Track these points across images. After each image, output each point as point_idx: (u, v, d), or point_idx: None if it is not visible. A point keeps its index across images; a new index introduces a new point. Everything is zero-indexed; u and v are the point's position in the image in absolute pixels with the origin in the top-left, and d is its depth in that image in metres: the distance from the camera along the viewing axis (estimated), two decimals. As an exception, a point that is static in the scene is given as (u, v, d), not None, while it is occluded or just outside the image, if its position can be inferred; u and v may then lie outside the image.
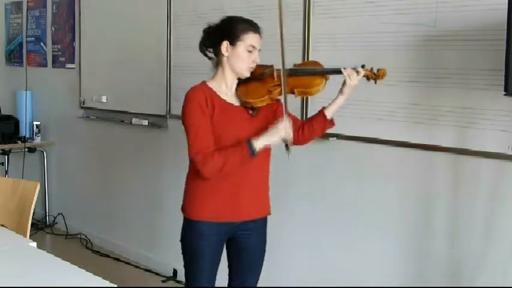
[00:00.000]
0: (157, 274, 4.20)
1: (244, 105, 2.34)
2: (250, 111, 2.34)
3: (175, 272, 4.10)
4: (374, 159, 2.97)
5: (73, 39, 4.98)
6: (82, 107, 4.92)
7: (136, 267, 4.35)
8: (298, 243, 3.35)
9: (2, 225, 2.59)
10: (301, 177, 3.30)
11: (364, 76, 2.31)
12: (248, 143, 2.22)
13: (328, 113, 2.38)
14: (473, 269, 2.62)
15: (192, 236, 2.36)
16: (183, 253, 2.41)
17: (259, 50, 2.32)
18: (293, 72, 2.32)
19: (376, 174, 2.96)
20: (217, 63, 2.36)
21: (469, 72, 2.56)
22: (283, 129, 2.24)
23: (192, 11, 3.83)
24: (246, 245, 2.43)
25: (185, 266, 2.42)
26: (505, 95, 2.18)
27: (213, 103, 2.27)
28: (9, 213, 2.81)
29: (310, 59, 3.13)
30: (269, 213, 2.50)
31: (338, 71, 2.30)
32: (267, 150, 2.40)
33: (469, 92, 2.57)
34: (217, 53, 2.33)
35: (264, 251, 2.50)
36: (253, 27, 2.30)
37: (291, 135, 2.25)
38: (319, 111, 2.41)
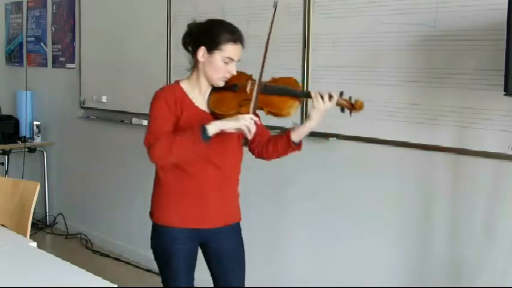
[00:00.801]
0: (157, 274, 4.18)
1: (214, 114, 2.24)
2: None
3: (175, 272, 4.10)
4: (374, 159, 2.97)
5: (73, 39, 4.98)
6: (82, 107, 4.92)
7: (137, 267, 4.35)
8: (298, 243, 3.35)
9: (2, 225, 2.59)
10: (301, 177, 3.30)
11: (339, 105, 2.18)
12: (201, 125, 2.09)
13: (294, 137, 2.25)
14: (473, 269, 2.62)
15: (163, 240, 2.29)
16: (156, 259, 2.35)
17: (238, 60, 2.22)
18: (266, 90, 2.19)
19: (376, 174, 2.96)
20: (194, 65, 2.28)
21: (469, 72, 2.56)
22: (244, 119, 2.10)
23: (192, 11, 3.83)
24: (221, 250, 2.37)
25: (161, 272, 2.36)
26: (505, 95, 2.18)
27: (182, 105, 2.20)
28: (9, 213, 2.81)
29: (310, 59, 3.13)
30: (239, 220, 2.42)
31: (309, 95, 2.18)
32: (237, 155, 2.34)
33: (469, 92, 2.57)
34: (195, 55, 2.25)
35: (243, 253, 2.42)
36: (235, 37, 2.19)
37: (252, 128, 2.10)
38: (286, 132, 2.27)
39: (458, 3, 2.57)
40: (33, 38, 5.51)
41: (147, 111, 4.47)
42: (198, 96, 2.27)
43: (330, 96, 2.15)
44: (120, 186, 4.66)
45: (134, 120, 4.38)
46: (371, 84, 2.90)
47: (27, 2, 5.52)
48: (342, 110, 2.20)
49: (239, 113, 2.19)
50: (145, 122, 4.28)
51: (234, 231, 2.41)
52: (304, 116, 3.14)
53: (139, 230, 4.49)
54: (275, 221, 3.45)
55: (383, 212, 2.95)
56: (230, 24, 2.24)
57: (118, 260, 4.50)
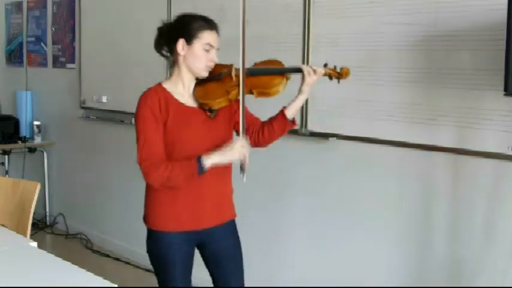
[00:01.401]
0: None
1: (202, 106, 2.24)
2: (209, 113, 2.25)
3: (175, 272, 4.10)
4: (374, 159, 2.97)
5: (73, 39, 4.98)
6: (82, 107, 4.92)
7: (137, 267, 4.35)
8: (298, 243, 3.35)
9: (2, 225, 2.59)
10: (301, 177, 3.30)
11: (326, 75, 2.25)
12: (198, 160, 2.12)
13: (289, 113, 2.29)
14: (473, 269, 2.62)
15: (158, 246, 2.28)
16: (152, 263, 2.33)
17: (218, 48, 2.23)
18: (251, 72, 2.22)
19: (376, 174, 2.96)
20: (173, 62, 2.27)
21: (469, 72, 2.56)
22: (238, 150, 2.14)
23: (192, 11, 3.81)
24: (218, 250, 2.36)
25: (158, 276, 2.34)
26: (505, 95, 2.18)
27: (167, 107, 2.19)
28: (10, 213, 2.81)
29: (310, 59, 3.13)
30: (234, 217, 2.43)
31: (297, 70, 2.24)
32: None
33: (469, 92, 2.57)
34: (173, 52, 2.25)
35: (240, 252, 2.42)
36: (209, 24, 2.22)
37: (247, 157, 2.15)
38: (280, 111, 2.31)
39: (458, 3, 2.57)
40: (33, 38, 5.51)
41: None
42: (183, 92, 2.26)
43: (314, 71, 2.22)
44: (120, 186, 4.66)
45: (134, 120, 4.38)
46: (371, 84, 2.90)
47: (27, 2, 5.52)
48: (330, 78, 2.27)
49: (229, 100, 2.22)
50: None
51: (230, 229, 2.40)
52: (304, 117, 3.14)
53: (140, 230, 4.48)
54: (275, 220, 3.45)
55: (383, 212, 2.95)
56: (201, 15, 2.28)
57: (118, 260, 4.50)
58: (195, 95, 2.25)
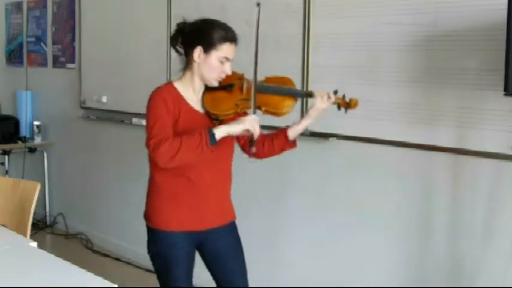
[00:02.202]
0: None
1: (209, 114, 2.23)
2: (214, 121, 2.23)
3: (175, 272, 4.10)
4: (374, 159, 2.97)
5: (73, 39, 4.98)
6: (82, 107, 4.92)
7: (137, 267, 4.35)
8: (298, 242, 3.35)
9: (2, 225, 2.59)
10: (301, 177, 3.30)
11: (335, 104, 2.24)
12: (208, 129, 2.07)
13: (291, 134, 2.28)
14: (473, 269, 2.62)
15: (161, 246, 2.27)
16: (154, 264, 2.32)
17: (232, 60, 2.21)
18: (263, 89, 2.20)
19: (376, 174, 2.96)
20: (187, 65, 2.25)
21: (469, 72, 2.56)
22: (249, 121, 2.09)
23: (192, 11, 3.82)
24: (218, 251, 2.36)
25: (159, 277, 2.33)
26: (505, 95, 2.18)
27: (179, 107, 2.18)
28: (10, 213, 2.81)
29: (310, 59, 3.13)
30: (235, 218, 2.42)
31: (310, 94, 2.24)
32: (229, 157, 2.33)
33: (469, 92, 2.57)
34: (188, 55, 2.23)
35: (242, 252, 2.41)
36: (229, 36, 2.18)
37: (257, 130, 2.10)
38: (283, 130, 2.30)
39: (458, 3, 2.57)
40: (33, 38, 5.51)
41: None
42: (192, 96, 2.25)
43: (328, 97, 2.21)
44: (120, 186, 4.66)
45: (134, 120, 4.38)
46: (371, 84, 2.90)
47: (27, 2, 5.52)
48: (338, 107, 2.26)
49: (237, 113, 2.20)
50: (145, 122, 4.27)
51: (230, 230, 2.40)
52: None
53: (140, 230, 4.48)
54: (275, 220, 3.45)
55: (383, 212, 2.95)
56: (224, 24, 2.23)
57: (118, 260, 4.50)
58: (203, 101, 2.24)
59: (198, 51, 2.18)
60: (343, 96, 2.24)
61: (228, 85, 2.22)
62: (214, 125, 2.17)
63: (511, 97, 2.21)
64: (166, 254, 2.26)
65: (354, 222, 3.08)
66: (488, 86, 2.49)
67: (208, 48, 2.17)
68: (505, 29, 2.11)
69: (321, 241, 3.24)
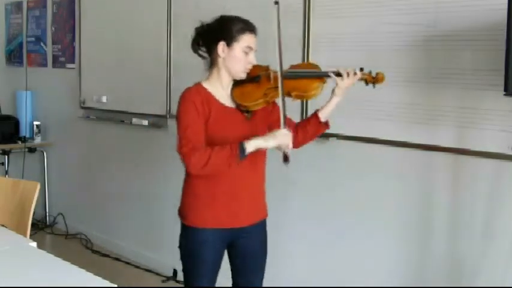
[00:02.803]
0: (157, 274, 4.20)
1: (239, 107, 2.29)
2: (246, 114, 2.29)
3: (175, 272, 4.10)
4: (374, 159, 2.97)
5: (73, 39, 4.98)
6: (82, 107, 4.92)
7: (137, 267, 4.35)
8: (298, 242, 3.35)
9: (2, 225, 2.59)
10: (300, 177, 3.30)
11: (362, 80, 2.26)
12: (239, 143, 2.13)
13: (322, 115, 2.33)
14: (473, 269, 2.62)
15: (193, 243, 2.31)
16: (182, 259, 2.36)
17: (255, 50, 2.27)
18: (290, 75, 2.26)
19: (376, 174, 2.96)
20: (212, 63, 2.30)
21: (469, 72, 2.56)
22: (281, 136, 2.16)
23: (193, 11, 3.83)
24: (246, 248, 2.41)
25: (185, 272, 2.37)
26: (505, 95, 2.18)
27: (209, 107, 2.22)
28: (9, 213, 2.81)
29: (310, 59, 3.13)
30: (266, 216, 2.47)
31: (336, 73, 2.26)
32: (263, 156, 2.36)
33: (469, 92, 2.57)
34: (212, 53, 2.28)
35: (266, 252, 2.48)
36: (249, 27, 2.25)
37: (290, 145, 2.17)
38: (313, 113, 2.36)
39: (458, 3, 2.57)
40: (33, 38, 5.51)
41: (146, 111, 4.49)
42: (222, 92, 2.29)
43: (354, 73, 2.24)
44: (120, 186, 4.66)
45: (134, 120, 4.38)
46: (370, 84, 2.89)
47: (27, 2, 5.52)
48: (366, 83, 2.28)
49: (267, 102, 2.26)
50: (145, 122, 4.29)
51: (260, 228, 2.45)
52: (304, 114, 3.14)
53: (140, 230, 4.50)
54: (275, 220, 3.44)
55: (383, 212, 2.95)
56: (240, 17, 2.30)
57: (118, 260, 4.50)
58: (233, 96, 2.29)
59: (221, 47, 2.24)
60: (370, 72, 2.26)
61: (255, 76, 2.28)
62: (246, 118, 2.28)
63: (511, 97, 2.21)
64: (196, 251, 2.31)
65: (353, 222, 3.08)
66: (488, 86, 2.49)
67: (230, 41, 2.23)
68: (505, 29, 2.11)
69: (320, 241, 3.24)
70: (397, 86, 2.81)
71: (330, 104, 2.31)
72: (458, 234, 2.68)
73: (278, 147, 2.18)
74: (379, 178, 2.95)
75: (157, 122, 4.21)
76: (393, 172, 2.90)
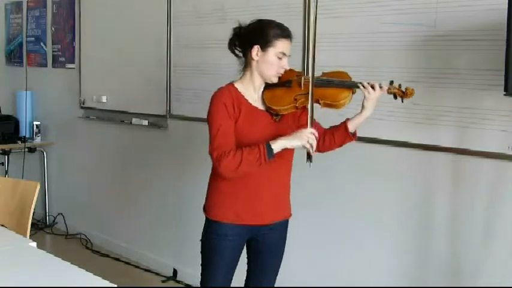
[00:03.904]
0: (157, 274, 4.20)
1: (269, 110, 2.33)
2: (274, 117, 2.34)
3: (175, 272, 4.10)
4: (374, 159, 2.97)
5: (73, 39, 4.98)
6: (82, 107, 4.92)
7: (137, 267, 4.35)
8: (298, 242, 3.35)
9: (2, 225, 2.59)
10: (300, 177, 3.29)
11: (391, 93, 2.27)
12: (266, 143, 2.19)
13: (351, 126, 2.36)
14: (473, 269, 2.62)
15: (213, 236, 2.37)
16: (202, 252, 2.42)
17: (289, 55, 2.31)
18: (320, 83, 2.29)
19: (376, 174, 2.96)
20: (246, 65, 2.35)
21: (469, 72, 2.56)
22: (307, 136, 2.20)
23: (192, 11, 3.83)
24: (265, 245, 2.45)
25: (202, 266, 2.43)
26: (505, 95, 2.18)
27: (239, 107, 2.28)
28: (9, 213, 2.81)
29: (310, 59, 3.12)
30: (290, 215, 2.52)
31: (361, 86, 2.27)
32: (289, 155, 2.40)
33: (469, 92, 2.57)
34: (247, 55, 2.32)
35: (283, 251, 2.52)
36: (284, 32, 2.28)
37: (314, 144, 2.21)
38: (343, 122, 2.38)
39: (458, 3, 2.57)
40: (33, 38, 5.51)
41: (146, 111, 4.49)
42: (253, 94, 2.34)
43: (380, 87, 2.26)
44: (120, 186, 4.66)
45: (134, 120, 4.38)
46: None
47: (27, 2, 5.52)
48: (395, 97, 2.29)
49: (296, 107, 2.30)
50: (145, 122, 4.29)
51: (282, 227, 2.49)
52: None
53: (139, 230, 4.50)
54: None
55: (383, 211, 2.95)
56: (278, 22, 2.33)
57: (118, 260, 4.50)
58: (264, 98, 2.34)
59: (256, 50, 2.27)
60: (399, 85, 2.27)
61: (286, 81, 2.32)
62: (274, 120, 2.33)
63: (511, 97, 2.21)
64: (215, 244, 2.36)
65: (353, 221, 3.08)
66: (488, 86, 2.49)
67: (265, 45, 2.26)
68: (505, 29, 2.11)
69: (320, 240, 3.24)
70: (397, 86, 2.80)
71: (360, 116, 2.33)
72: (458, 234, 2.68)
73: (303, 147, 2.22)
74: (379, 178, 2.95)
75: (157, 122, 4.21)
76: (393, 172, 2.90)
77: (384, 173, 2.93)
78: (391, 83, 2.28)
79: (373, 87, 2.25)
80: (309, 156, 2.23)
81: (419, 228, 2.82)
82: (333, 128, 2.42)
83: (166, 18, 4.03)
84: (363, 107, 2.31)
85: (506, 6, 2.12)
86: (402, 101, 2.29)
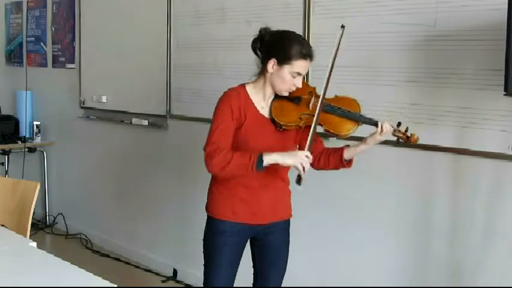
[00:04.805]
0: (157, 274, 4.20)
1: (273, 120, 2.33)
2: (277, 128, 2.34)
3: (175, 272, 4.10)
4: (374, 159, 2.96)
5: (73, 39, 4.98)
6: (82, 107, 4.92)
7: (137, 267, 4.35)
8: (298, 242, 3.35)
9: (2, 225, 2.59)
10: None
11: (395, 136, 2.25)
12: (259, 154, 2.18)
13: (347, 155, 2.34)
14: (473, 269, 2.62)
15: (213, 232, 2.40)
16: (203, 250, 2.44)
17: (305, 74, 2.30)
18: (328, 109, 2.27)
19: (376, 174, 2.96)
20: (261, 72, 2.34)
21: (469, 72, 2.56)
22: (301, 158, 2.17)
23: (192, 11, 3.83)
24: (268, 244, 2.47)
25: (204, 264, 2.45)
26: (505, 95, 2.18)
27: (245, 113, 2.28)
28: (9, 213, 2.81)
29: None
30: (291, 216, 2.52)
31: (374, 123, 2.24)
32: None
33: (469, 92, 2.57)
34: (264, 64, 2.31)
35: (287, 251, 2.53)
36: (306, 53, 2.24)
37: (307, 168, 2.18)
38: (341, 149, 2.36)
39: (458, 3, 2.57)
40: (33, 38, 5.51)
41: (146, 111, 4.49)
42: (262, 101, 2.35)
43: (394, 130, 2.24)
44: (120, 186, 4.66)
45: (134, 120, 4.38)
46: (371, 84, 2.90)
47: (27, 2, 5.52)
48: (398, 141, 2.27)
49: (299, 126, 2.30)
50: (145, 122, 4.29)
51: (283, 227, 2.50)
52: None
53: (139, 230, 4.49)
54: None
55: (382, 212, 2.95)
56: (303, 39, 2.32)
57: (118, 260, 4.50)
58: (272, 108, 2.33)
59: (272, 63, 2.26)
60: (406, 129, 2.24)
61: (296, 98, 2.31)
62: (277, 131, 2.32)
63: (511, 97, 2.21)
64: (213, 240, 2.39)
65: (353, 221, 3.08)
66: (488, 86, 2.49)
67: (282, 61, 2.25)
68: (505, 29, 2.11)
69: (319, 240, 3.24)
70: (397, 86, 2.81)
71: (357, 148, 2.31)
72: (458, 234, 2.68)
73: (294, 167, 2.20)
74: (378, 178, 2.95)
75: (157, 122, 4.21)
76: (393, 172, 2.90)
77: (384, 173, 2.93)
78: (399, 124, 2.25)
79: (382, 127, 2.22)
80: (299, 179, 2.20)
81: (419, 228, 2.82)
82: (331, 151, 2.40)
83: (166, 18, 4.03)
84: (365, 141, 2.28)
85: (506, 6, 2.12)
86: (404, 143, 2.28)
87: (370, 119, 2.26)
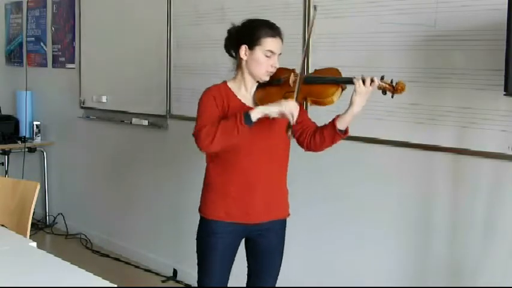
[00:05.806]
0: (157, 274, 4.20)
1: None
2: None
3: (175, 272, 4.10)
4: (374, 159, 2.97)
5: (73, 39, 4.98)
6: (82, 107, 4.92)
7: (137, 267, 4.35)
8: (297, 242, 3.35)
9: (2, 225, 2.59)
10: (300, 177, 3.29)
11: (380, 88, 2.18)
12: (245, 111, 2.19)
13: (339, 124, 2.26)
14: (473, 269, 2.62)
15: (205, 232, 2.40)
16: (196, 251, 2.44)
17: (280, 54, 2.30)
18: (307, 80, 2.28)
19: (376, 174, 2.96)
20: (237, 65, 2.36)
21: (469, 72, 2.56)
22: (286, 105, 2.17)
23: (192, 11, 3.83)
24: (262, 245, 2.46)
25: (198, 264, 2.45)
26: (505, 95, 2.18)
27: (228, 103, 2.29)
28: (9, 213, 2.81)
29: (310, 59, 3.13)
30: (287, 216, 2.51)
31: (350, 81, 2.20)
32: (284, 151, 2.41)
33: (469, 92, 2.57)
34: (237, 55, 2.34)
35: (282, 252, 2.52)
36: (273, 31, 2.28)
37: (295, 114, 2.17)
38: (332, 120, 2.31)
39: (458, 3, 2.57)
40: (33, 38, 5.51)
41: (146, 111, 4.49)
42: (244, 93, 2.37)
43: (372, 81, 2.17)
44: (120, 186, 4.66)
45: (134, 120, 4.38)
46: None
47: (27, 2, 5.52)
48: (384, 92, 2.20)
49: None
50: (145, 122, 4.29)
51: (278, 227, 2.48)
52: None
53: (139, 230, 4.49)
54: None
55: (382, 212, 2.95)
56: (266, 21, 2.33)
57: (118, 260, 4.50)
58: (255, 97, 2.34)
59: (243, 49, 2.30)
60: (391, 81, 2.18)
61: (276, 79, 2.32)
62: (266, 120, 2.25)
63: (511, 97, 2.21)
64: (206, 240, 2.39)
65: (353, 221, 3.08)
66: (488, 86, 2.49)
67: (252, 44, 2.28)
68: (505, 29, 2.11)
69: (319, 240, 3.24)
70: (397, 86, 2.80)
71: (347, 112, 2.24)
72: (458, 234, 2.68)
73: (282, 115, 2.19)
74: (378, 178, 2.95)
75: (157, 122, 4.21)
76: (393, 172, 2.90)
77: (384, 173, 2.93)
78: (382, 78, 2.19)
79: (363, 80, 2.16)
80: (290, 126, 2.21)
81: (419, 228, 2.82)
82: (322, 127, 2.37)
83: (166, 18, 4.03)
84: (351, 102, 2.21)
85: (506, 6, 2.12)
86: (392, 97, 2.18)
87: (348, 77, 2.22)
